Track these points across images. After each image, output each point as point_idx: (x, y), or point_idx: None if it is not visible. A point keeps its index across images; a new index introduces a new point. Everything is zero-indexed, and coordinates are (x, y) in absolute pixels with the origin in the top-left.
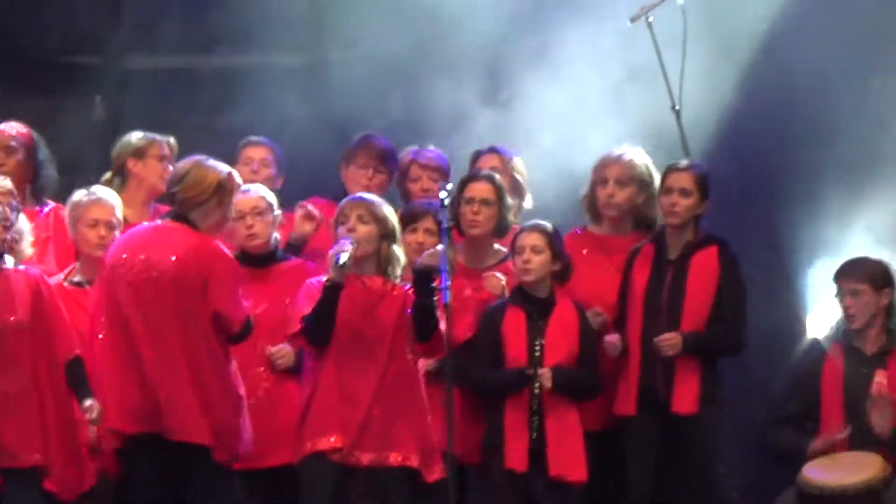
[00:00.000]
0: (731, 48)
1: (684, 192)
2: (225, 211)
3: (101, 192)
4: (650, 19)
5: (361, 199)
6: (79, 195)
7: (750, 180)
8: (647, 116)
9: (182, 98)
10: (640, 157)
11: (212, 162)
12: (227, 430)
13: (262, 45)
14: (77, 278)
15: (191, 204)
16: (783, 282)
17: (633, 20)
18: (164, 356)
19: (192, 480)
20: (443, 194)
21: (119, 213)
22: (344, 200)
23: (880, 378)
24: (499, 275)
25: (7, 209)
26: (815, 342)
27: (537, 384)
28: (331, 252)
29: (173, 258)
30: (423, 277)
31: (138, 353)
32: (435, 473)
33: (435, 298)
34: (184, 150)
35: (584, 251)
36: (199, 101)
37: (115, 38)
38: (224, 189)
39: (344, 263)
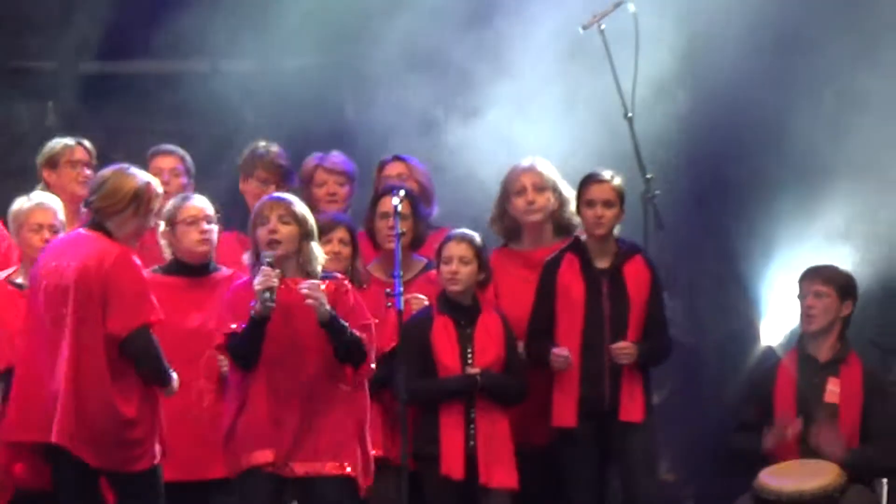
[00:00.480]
0: (684, 56)
1: (608, 204)
2: (143, 220)
3: (43, 196)
4: (602, 27)
5: (280, 199)
6: (20, 201)
7: (703, 187)
8: (599, 125)
9: (136, 103)
10: (548, 165)
11: (133, 170)
12: (106, 444)
13: (214, 51)
14: (19, 280)
15: (107, 213)
16: (736, 289)
17: (585, 28)
18: (56, 363)
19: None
20: (395, 201)
21: (61, 215)
22: (262, 200)
23: (832, 386)
24: (420, 296)
25: None
26: (770, 350)
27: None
28: (257, 286)
29: (76, 266)
30: (329, 325)
31: (57, 359)
32: (370, 480)
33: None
34: (135, 156)
35: (509, 270)
36: (152, 106)
37: (68, 43)
38: (141, 198)
39: (272, 300)
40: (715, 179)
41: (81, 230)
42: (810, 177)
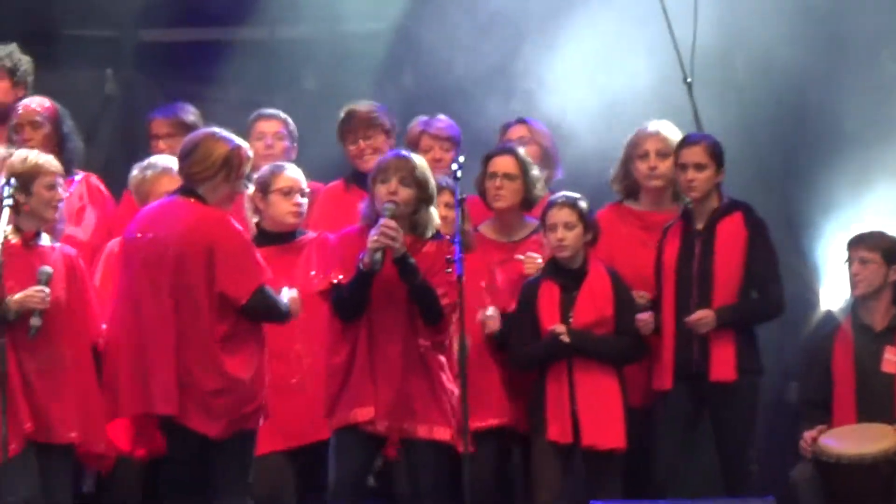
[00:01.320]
0: (743, 25)
1: (699, 167)
2: (234, 185)
3: (165, 160)
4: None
5: (406, 159)
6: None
7: (762, 155)
8: (659, 89)
9: (195, 70)
10: (674, 131)
11: (222, 134)
12: (211, 407)
13: (273, 18)
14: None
15: (198, 178)
16: (796, 254)
17: None
18: (159, 331)
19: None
20: (454, 166)
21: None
22: (387, 157)
23: (889, 355)
24: (532, 254)
25: (59, 189)
26: (829, 314)
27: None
28: (373, 240)
29: (176, 234)
30: (400, 262)
31: (158, 326)
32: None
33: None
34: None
35: (624, 229)
36: (210, 74)
37: (126, 10)
38: (232, 163)
39: (382, 257)
40: (773, 145)
41: (174, 196)
42: (866, 143)
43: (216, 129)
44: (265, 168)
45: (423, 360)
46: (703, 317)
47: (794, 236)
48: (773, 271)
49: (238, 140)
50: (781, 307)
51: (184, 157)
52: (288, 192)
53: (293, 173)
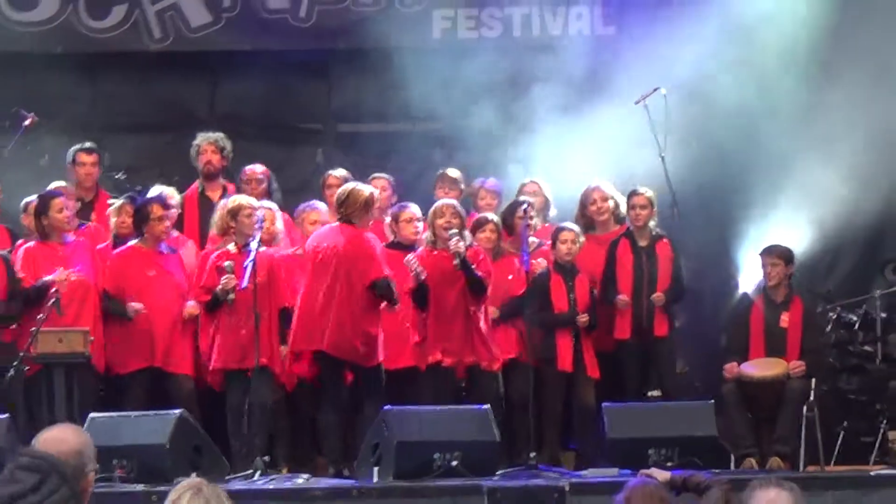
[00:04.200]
0: (693, 119)
1: (643, 207)
2: (370, 215)
3: (319, 205)
4: (646, 102)
5: (451, 204)
6: (302, 206)
7: (705, 198)
8: (643, 161)
9: (378, 155)
10: (607, 184)
11: (363, 185)
12: (358, 349)
13: (413, 115)
14: (291, 251)
15: (351, 212)
16: (725, 257)
17: (636, 103)
18: (334, 303)
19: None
20: (520, 212)
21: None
22: (442, 202)
23: (784, 317)
24: (542, 261)
25: (254, 218)
26: (745, 294)
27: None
28: (414, 270)
29: (342, 244)
30: (464, 264)
31: (324, 300)
32: (496, 366)
33: (479, 272)
34: (366, 180)
35: (588, 246)
36: (378, 151)
37: (331, 109)
38: (370, 202)
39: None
40: (713, 192)
41: (337, 223)
42: (770, 186)
43: (357, 183)
44: (396, 206)
45: (472, 320)
46: (660, 296)
47: (724, 244)
48: (682, 275)
49: (372, 188)
50: (684, 295)
51: (341, 201)
52: (409, 221)
53: (414, 210)
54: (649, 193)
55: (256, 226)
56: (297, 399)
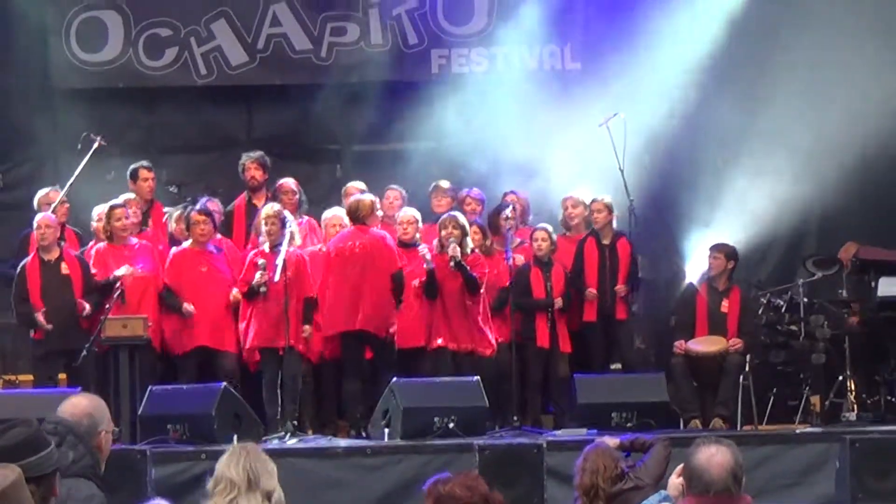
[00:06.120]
0: (648, 140)
1: (599, 211)
2: (377, 217)
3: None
4: (609, 124)
5: (454, 216)
6: (329, 211)
7: (658, 203)
8: (606, 173)
9: (387, 170)
10: (582, 191)
11: (364, 195)
12: (383, 326)
13: (418, 136)
14: (315, 248)
15: (365, 216)
16: (675, 252)
17: (600, 125)
18: (360, 286)
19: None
20: (507, 213)
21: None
22: (448, 215)
23: (724, 303)
24: (520, 256)
25: (279, 223)
26: (691, 284)
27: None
28: (426, 263)
29: (367, 243)
30: (458, 266)
31: (354, 288)
32: (488, 352)
33: (475, 274)
34: (381, 195)
35: (563, 244)
36: (389, 166)
37: (348, 132)
38: (374, 207)
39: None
40: (664, 198)
41: (354, 227)
42: (709, 195)
43: (364, 193)
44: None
45: (469, 312)
46: (622, 288)
47: (673, 241)
48: (637, 267)
49: (372, 196)
50: (639, 285)
51: (354, 210)
52: (401, 223)
53: (406, 214)
54: (607, 200)
55: (286, 230)
56: (322, 373)
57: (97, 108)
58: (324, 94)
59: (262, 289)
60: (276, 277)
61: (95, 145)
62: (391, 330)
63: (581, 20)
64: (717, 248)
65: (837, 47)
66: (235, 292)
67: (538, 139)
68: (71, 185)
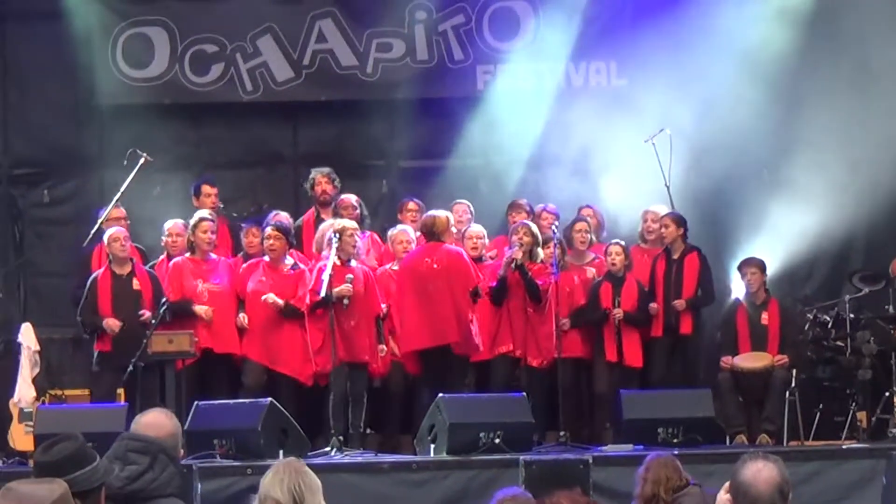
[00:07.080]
0: (693, 155)
1: (666, 226)
2: (451, 234)
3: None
4: (655, 140)
5: (527, 224)
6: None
7: (707, 222)
8: (653, 189)
9: (434, 186)
10: (660, 207)
11: (440, 212)
12: (465, 339)
13: (465, 153)
14: (387, 267)
15: (440, 233)
16: (723, 269)
17: (646, 141)
18: (441, 302)
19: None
20: (553, 230)
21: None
22: (521, 223)
23: (764, 315)
24: (592, 269)
25: (356, 238)
26: (736, 299)
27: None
28: (507, 258)
29: (440, 258)
30: (519, 269)
31: (428, 303)
32: (537, 362)
33: (539, 281)
34: (424, 210)
35: (637, 257)
36: (435, 188)
37: (393, 148)
38: (449, 224)
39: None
40: (710, 214)
41: (429, 243)
42: (756, 211)
43: (438, 210)
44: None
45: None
46: (680, 303)
47: (719, 258)
48: (712, 283)
49: (448, 213)
50: (713, 300)
51: (428, 225)
52: (469, 238)
53: (477, 229)
54: (674, 215)
55: (356, 246)
56: (393, 390)
57: (143, 124)
58: (369, 109)
59: (346, 300)
60: (322, 292)
61: (141, 161)
62: (476, 341)
63: (627, 36)
64: (751, 264)
65: (889, 45)
66: (274, 298)
67: (584, 155)
68: (118, 201)
